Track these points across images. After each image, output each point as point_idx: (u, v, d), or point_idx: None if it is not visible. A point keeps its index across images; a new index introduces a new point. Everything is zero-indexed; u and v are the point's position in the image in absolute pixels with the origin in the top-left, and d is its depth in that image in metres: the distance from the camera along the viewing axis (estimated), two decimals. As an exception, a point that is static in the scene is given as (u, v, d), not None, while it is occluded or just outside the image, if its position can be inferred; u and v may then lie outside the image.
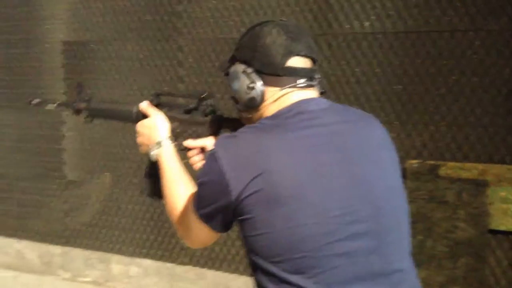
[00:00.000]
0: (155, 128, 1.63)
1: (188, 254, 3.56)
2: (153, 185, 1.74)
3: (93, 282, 3.92)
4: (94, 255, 3.91)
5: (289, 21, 1.41)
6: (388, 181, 1.30)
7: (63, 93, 3.88)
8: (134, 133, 3.75)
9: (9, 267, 4.24)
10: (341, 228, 1.19)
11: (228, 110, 3.15)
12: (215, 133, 1.64)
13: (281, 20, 1.41)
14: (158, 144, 1.59)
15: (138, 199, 3.69)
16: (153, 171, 1.70)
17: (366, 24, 2.91)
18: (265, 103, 1.34)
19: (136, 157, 3.66)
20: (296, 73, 1.32)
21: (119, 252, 3.80)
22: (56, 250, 4.06)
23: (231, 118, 1.65)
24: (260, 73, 1.33)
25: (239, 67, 1.36)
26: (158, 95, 1.74)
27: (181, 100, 1.77)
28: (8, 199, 4.19)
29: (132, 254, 3.75)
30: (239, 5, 3.24)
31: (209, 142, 1.61)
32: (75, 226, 3.96)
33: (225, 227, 1.32)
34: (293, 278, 1.19)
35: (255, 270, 1.26)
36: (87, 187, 3.89)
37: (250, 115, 1.39)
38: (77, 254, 3.98)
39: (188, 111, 1.66)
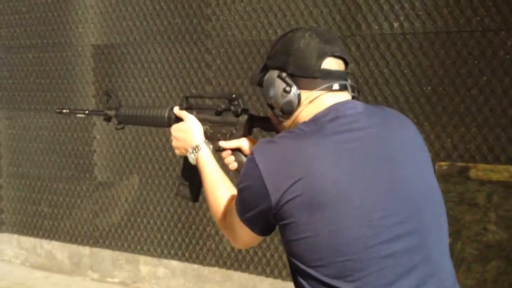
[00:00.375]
0: (190, 131, 1.65)
1: (215, 255, 3.56)
2: (190, 187, 1.76)
3: (121, 283, 3.96)
4: (122, 256, 3.95)
5: (318, 26, 1.42)
6: (426, 182, 1.30)
7: (93, 96, 3.94)
8: (162, 136, 3.79)
9: (40, 267, 4.31)
10: (385, 230, 1.19)
11: (256, 111, 3.15)
12: (247, 132, 1.65)
13: (311, 25, 1.43)
14: (196, 147, 1.62)
15: (166, 201, 3.72)
16: (189, 173, 1.73)
17: (395, 24, 2.89)
18: (300, 107, 1.35)
19: (164, 160, 3.70)
20: (331, 75, 1.33)
21: (147, 253, 3.83)
22: (85, 251, 4.12)
23: (262, 117, 1.66)
24: (295, 76, 1.34)
25: (273, 73, 1.38)
26: (187, 98, 1.76)
27: (209, 102, 1.78)
28: (40, 200, 4.26)
29: (160, 255, 3.77)
30: (268, 7, 3.24)
31: (243, 142, 1.63)
32: (104, 227, 4.00)
33: (266, 231, 1.34)
34: (334, 282, 1.19)
35: (295, 273, 1.26)
36: (116, 189, 3.93)
37: (285, 120, 1.39)
38: (106, 255, 4.02)
39: (219, 113, 1.67)
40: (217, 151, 1.68)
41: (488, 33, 2.69)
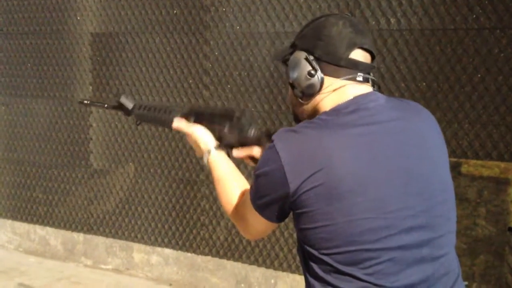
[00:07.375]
0: (199, 141, 1.66)
1: (208, 244, 3.60)
2: None
3: (115, 270, 3.99)
4: (116, 243, 3.98)
5: (352, 16, 1.44)
6: (441, 177, 1.33)
7: (90, 83, 3.95)
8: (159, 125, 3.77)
9: (33, 253, 4.34)
10: (398, 222, 1.23)
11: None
12: (258, 144, 1.66)
13: (345, 14, 1.44)
14: (208, 152, 1.64)
15: (161, 190, 3.75)
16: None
17: (392, 20, 2.92)
18: (321, 93, 1.36)
19: (160, 149, 3.72)
20: (357, 66, 1.34)
21: (141, 241, 3.86)
22: (79, 237, 4.14)
23: (272, 133, 1.67)
24: (321, 61, 1.35)
25: (301, 54, 1.38)
26: (195, 112, 1.75)
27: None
28: (35, 186, 4.28)
29: (154, 243, 3.81)
30: (266, 0, 3.27)
31: (255, 150, 1.64)
32: (99, 214, 4.03)
33: (279, 218, 1.36)
34: (346, 269, 1.23)
35: (308, 259, 1.29)
36: (111, 177, 3.96)
37: (305, 103, 1.40)
38: (100, 242, 4.05)
39: (228, 129, 1.68)
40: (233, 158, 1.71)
41: (483, 31, 2.73)
